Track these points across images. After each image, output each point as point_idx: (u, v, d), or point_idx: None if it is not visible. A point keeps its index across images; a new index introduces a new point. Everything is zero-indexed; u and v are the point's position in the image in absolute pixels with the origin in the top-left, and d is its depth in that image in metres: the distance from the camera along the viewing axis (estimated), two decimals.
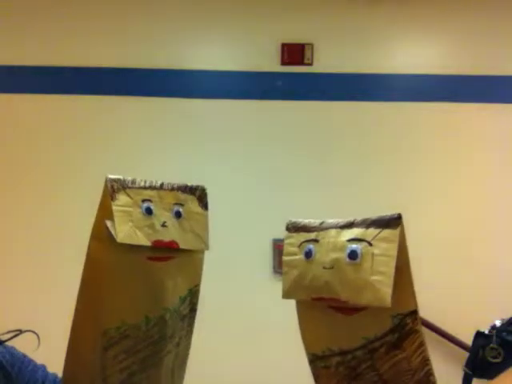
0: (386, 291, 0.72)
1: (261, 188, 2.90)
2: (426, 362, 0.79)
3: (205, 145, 2.91)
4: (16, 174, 2.89)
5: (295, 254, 0.83)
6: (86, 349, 0.88)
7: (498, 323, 1.35)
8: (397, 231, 0.76)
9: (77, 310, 0.88)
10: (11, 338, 0.94)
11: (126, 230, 0.85)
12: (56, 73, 2.90)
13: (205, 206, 1.00)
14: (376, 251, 0.75)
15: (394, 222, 0.76)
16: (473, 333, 1.38)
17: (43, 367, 0.98)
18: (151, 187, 0.92)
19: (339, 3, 2.92)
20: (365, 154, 2.90)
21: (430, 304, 2.72)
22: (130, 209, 0.87)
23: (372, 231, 0.77)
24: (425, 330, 2.74)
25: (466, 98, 2.90)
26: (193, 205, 0.97)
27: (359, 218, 0.80)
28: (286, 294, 0.84)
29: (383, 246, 0.75)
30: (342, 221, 0.82)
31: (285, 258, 0.85)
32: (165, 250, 0.90)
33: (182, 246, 0.92)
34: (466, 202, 2.89)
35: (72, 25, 2.91)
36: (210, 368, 2.44)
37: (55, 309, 2.06)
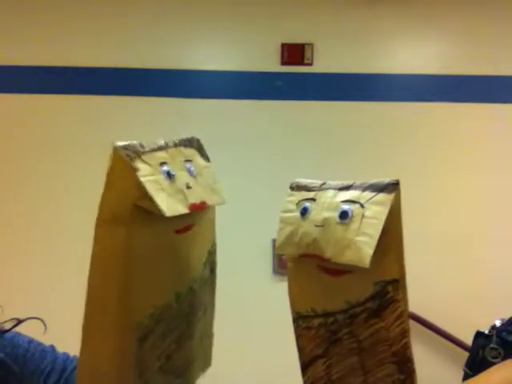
0: (367, 252, 0.73)
1: (261, 188, 2.90)
2: (404, 333, 0.79)
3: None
4: (16, 173, 2.89)
5: (292, 211, 0.85)
6: (125, 344, 0.77)
7: (498, 323, 1.35)
8: (391, 196, 0.77)
9: (96, 305, 0.77)
10: (12, 327, 0.89)
11: (166, 202, 0.75)
12: (56, 73, 2.90)
13: (206, 157, 0.94)
14: (367, 213, 0.76)
15: (390, 186, 0.78)
16: (473, 333, 1.38)
17: (51, 350, 0.91)
18: (160, 148, 0.82)
19: (339, 3, 2.92)
20: (365, 154, 2.90)
21: (430, 304, 2.74)
22: (155, 177, 0.76)
23: (367, 194, 0.78)
24: (425, 330, 2.76)
25: (466, 98, 2.91)
26: (198, 159, 0.90)
27: (359, 181, 0.82)
28: (279, 249, 0.86)
29: (375, 208, 0.76)
30: (341, 183, 0.84)
31: (282, 214, 0.87)
32: (188, 218, 0.81)
33: (209, 203, 0.86)
34: (465, 201, 2.89)
35: (72, 25, 2.91)
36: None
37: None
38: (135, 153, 0.77)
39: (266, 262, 2.87)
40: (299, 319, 0.86)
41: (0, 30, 2.90)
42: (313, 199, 0.83)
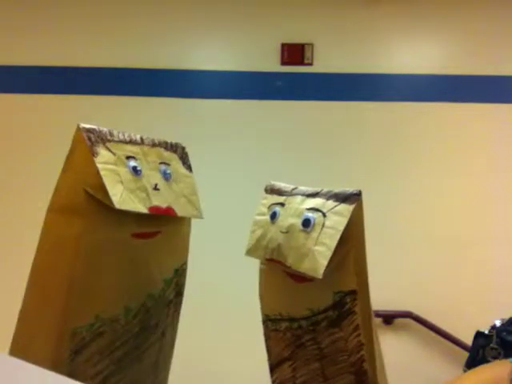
0: (322, 263, 0.74)
1: (261, 188, 2.90)
2: (360, 346, 0.81)
3: (204, 145, 2.91)
4: (16, 173, 2.89)
5: (264, 215, 0.87)
6: (51, 354, 0.66)
7: (498, 323, 1.35)
8: (351, 207, 0.78)
9: (32, 304, 0.67)
10: None
11: (120, 194, 0.66)
12: (56, 73, 2.90)
13: (189, 167, 0.89)
14: (327, 223, 0.77)
15: (352, 197, 0.79)
16: (473, 333, 1.38)
17: None
18: (132, 141, 0.76)
19: (339, 3, 2.92)
20: (365, 154, 2.90)
21: (430, 304, 2.74)
22: (116, 167, 0.69)
23: (330, 203, 0.79)
24: (425, 330, 2.75)
25: (466, 97, 2.90)
26: (178, 165, 0.84)
27: (326, 189, 0.82)
28: (248, 252, 0.87)
29: (335, 218, 0.77)
30: (310, 189, 0.85)
31: (256, 217, 0.88)
32: (152, 224, 0.75)
33: (179, 214, 0.78)
34: (465, 202, 2.89)
35: (72, 25, 2.91)
36: (208, 366, 2.44)
37: None
38: (99, 138, 0.72)
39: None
40: (268, 321, 0.89)
41: (0, 30, 2.90)
42: (282, 204, 0.84)
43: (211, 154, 2.90)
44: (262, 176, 2.89)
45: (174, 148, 0.86)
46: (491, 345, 1.30)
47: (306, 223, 0.78)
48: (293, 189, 0.87)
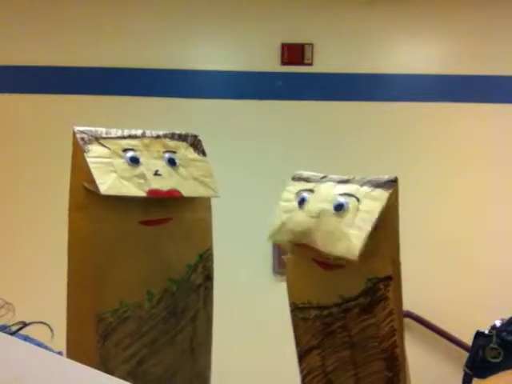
0: (357, 245, 0.74)
1: (261, 188, 2.90)
2: (393, 332, 0.81)
3: (204, 145, 2.91)
4: (16, 173, 2.89)
5: (290, 201, 0.86)
6: (83, 340, 0.73)
7: (498, 323, 1.35)
8: (387, 192, 0.78)
9: (68, 295, 0.75)
10: (17, 330, 0.86)
11: (109, 181, 0.70)
12: (56, 73, 2.90)
13: (202, 152, 0.91)
14: (362, 207, 0.77)
15: (388, 183, 0.79)
16: (473, 333, 1.38)
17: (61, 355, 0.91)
18: (131, 136, 0.79)
19: (339, 3, 2.92)
20: (364, 154, 2.90)
21: (430, 304, 2.74)
22: (110, 159, 0.72)
23: (365, 189, 0.80)
24: (425, 330, 2.76)
25: (466, 98, 2.90)
26: (187, 151, 0.86)
27: (359, 176, 0.82)
28: (271, 236, 0.86)
29: (370, 203, 0.77)
30: (341, 177, 0.84)
31: (281, 203, 0.88)
32: (160, 211, 0.78)
33: (185, 194, 0.80)
34: (465, 201, 2.89)
35: (72, 25, 2.91)
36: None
37: None
38: (93, 136, 0.75)
39: (267, 262, 2.86)
40: (296, 310, 0.88)
41: (0, 30, 2.90)
42: (311, 190, 0.84)
43: (211, 154, 2.89)
44: (262, 176, 2.91)
45: (182, 137, 0.88)
46: (491, 345, 1.29)
47: (339, 207, 0.78)
48: (322, 177, 0.87)
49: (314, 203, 0.82)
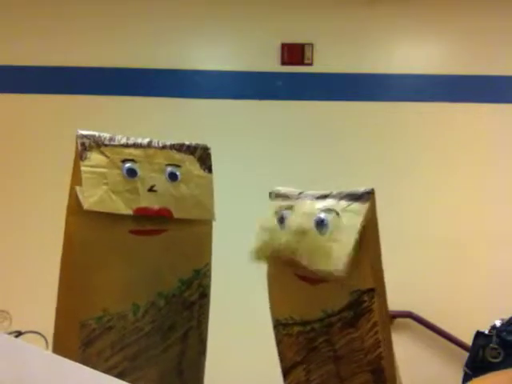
0: (342, 259, 0.74)
1: (261, 188, 2.90)
2: (378, 343, 0.80)
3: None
4: (16, 173, 2.89)
5: (270, 219, 0.86)
6: (66, 345, 0.71)
7: (498, 323, 1.35)
8: (366, 205, 0.78)
9: (57, 299, 0.74)
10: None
11: (98, 195, 0.69)
12: (56, 73, 2.90)
13: (208, 168, 0.86)
14: (342, 221, 0.77)
15: (365, 196, 0.79)
16: (473, 333, 1.38)
17: None
18: (135, 145, 0.76)
19: (339, 3, 2.92)
20: (364, 154, 2.90)
21: (430, 304, 2.74)
22: (105, 170, 0.71)
23: (343, 203, 0.80)
24: (425, 330, 2.76)
25: (466, 98, 2.90)
26: (192, 166, 0.82)
27: (336, 190, 0.82)
28: (253, 256, 0.85)
29: (350, 217, 0.77)
30: (319, 192, 0.85)
31: (261, 222, 0.88)
32: (154, 222, 0.75)
33: (176, 215, 0.77)
34: (465, 201, 2.89)
35: (72, 25, 2.91)
36: (209, 367, 2.43)
37: None
38: (95, 142, 0.74)
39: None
40: (279, 326, 0.88)
41: (0, 30, 2.89)
42: (291, 207, 0.84)
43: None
44: (262, 176, 2.90)
45: (191, 149, 0.84)
46: (491, 345, 1.30)
47: (320, 223, 0.79)
48: (300, 193, 0.87)
49: (295, 220, 0.82)
